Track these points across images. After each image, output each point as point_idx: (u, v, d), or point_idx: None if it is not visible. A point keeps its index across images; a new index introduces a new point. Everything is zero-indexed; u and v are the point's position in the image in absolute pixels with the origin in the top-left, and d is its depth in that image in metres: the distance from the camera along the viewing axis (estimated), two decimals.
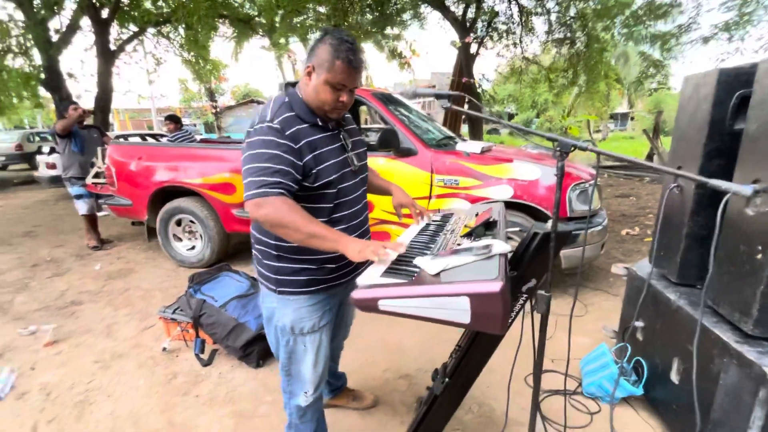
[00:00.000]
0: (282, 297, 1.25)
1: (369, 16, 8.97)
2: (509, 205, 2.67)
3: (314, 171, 1.12)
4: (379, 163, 2.93)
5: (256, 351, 2.17)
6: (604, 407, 1.86)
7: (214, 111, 17.76)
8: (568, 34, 8.92)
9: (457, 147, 3.01)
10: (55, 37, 9.00)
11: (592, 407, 1.86)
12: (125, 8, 8.99)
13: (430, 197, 2.86)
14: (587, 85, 10.12)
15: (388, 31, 9.46)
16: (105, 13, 8.68)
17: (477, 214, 1.34)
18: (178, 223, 3.74)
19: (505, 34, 9.45)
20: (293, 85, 1.21)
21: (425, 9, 9.37)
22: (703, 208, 1.58)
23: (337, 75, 1.08)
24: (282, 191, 1.04)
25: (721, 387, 1.32)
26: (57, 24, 9.27)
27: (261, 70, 79.82)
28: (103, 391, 2.08)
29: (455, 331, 1.56)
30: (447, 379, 1.26)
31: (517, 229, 2.50)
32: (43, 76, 9.72)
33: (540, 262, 1.07)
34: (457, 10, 9.11)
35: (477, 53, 9.40)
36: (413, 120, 3.35)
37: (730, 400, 1.30)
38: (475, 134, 9.51)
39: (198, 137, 5.95)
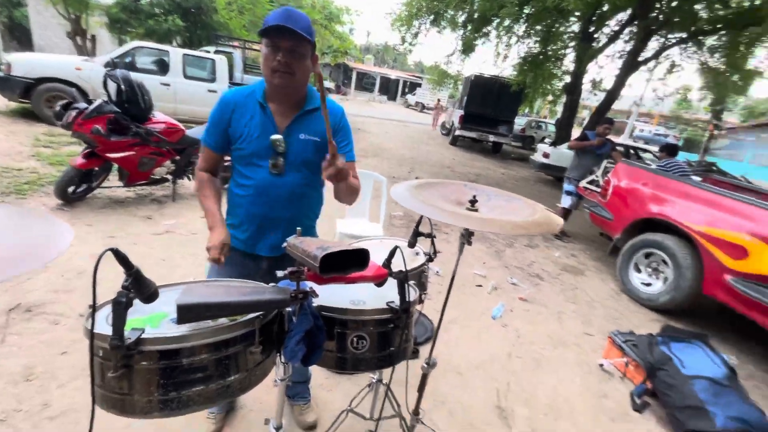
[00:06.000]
0: None
1: None
2: None
3: None
4: None
5: None
6: None
7: (712, 130, 14.95)
8: None
9: None
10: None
11: None
12: (675, 18, 8.85)
13: None
14: None
15: None
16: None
17: None
18: (647, 255, 3.70)
19: None
20: None
21: None
22: None
23: None
24: None
25: None
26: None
27: None
28: (551, 363, 2.61)
29: None
30: None
31: None
32: (567, 79, 11.87)
33: None
34: None
35: None
36: None
37: None
38: None
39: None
